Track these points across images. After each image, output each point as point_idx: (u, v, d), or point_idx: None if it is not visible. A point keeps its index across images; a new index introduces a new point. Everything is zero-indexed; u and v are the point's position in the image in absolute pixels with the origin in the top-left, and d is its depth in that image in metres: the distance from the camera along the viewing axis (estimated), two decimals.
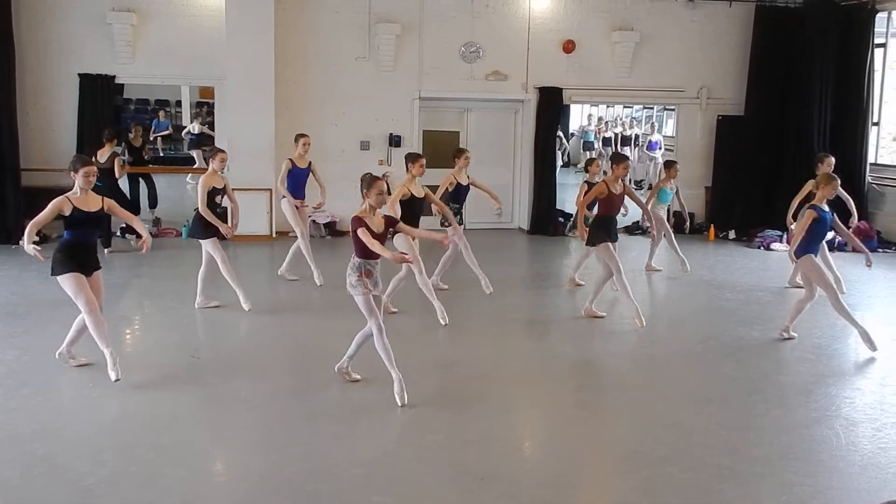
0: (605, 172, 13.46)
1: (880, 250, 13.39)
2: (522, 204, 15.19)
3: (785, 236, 13.90)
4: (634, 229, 15.00)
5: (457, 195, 9.74)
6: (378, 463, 5.49)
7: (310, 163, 10.48)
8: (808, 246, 8.25)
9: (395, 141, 14.31)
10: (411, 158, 8.94)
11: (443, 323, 8.61)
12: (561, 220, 15.16)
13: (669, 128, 20.10)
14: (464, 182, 9.72)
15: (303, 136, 10.50)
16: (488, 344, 8.38)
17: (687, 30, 14.93)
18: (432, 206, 9.18)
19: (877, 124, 14.82)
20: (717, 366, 7.78)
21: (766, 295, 10.56)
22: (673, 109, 17.09)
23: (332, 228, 14.06)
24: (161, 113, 20.59)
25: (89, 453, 5.51)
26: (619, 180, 9.02)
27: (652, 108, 22.13)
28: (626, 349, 8.49)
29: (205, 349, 7.90)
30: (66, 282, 6.72)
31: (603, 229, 8.96)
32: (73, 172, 6.80)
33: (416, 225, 8.38)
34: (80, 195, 6.81)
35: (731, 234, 14.78)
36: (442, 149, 14.92)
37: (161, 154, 19.85)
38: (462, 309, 9.25)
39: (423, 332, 8.63)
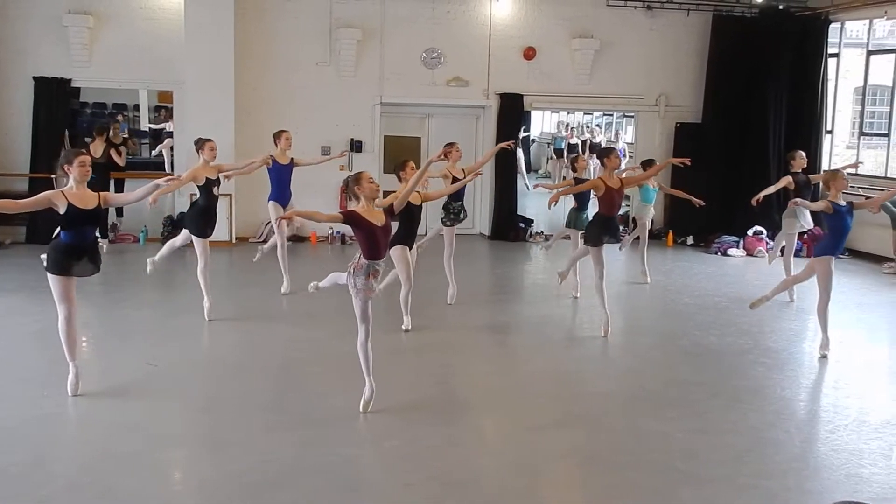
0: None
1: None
2: (484, 209, 15.24)
3: (742, 242, 14.11)
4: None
5: (457, 191, 9.40)
6: (339, 469, 5.46)
7: (292, 159, 10.16)
8: (828, 245, 8.11)
9: (356, 146, 14.29)
10: (400, 167, 8.37)
11: (405, 328, 8.60)
12: (521, 225, 15.23)
13: (629, 135, 20.27)
14: (460, 176, 9.41)
15: (283, 131, 10.18)
16: (450, 351, 8.38)
17: (646, 38, 15.10)
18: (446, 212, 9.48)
19: (830, 132, 15.10)
20: (674, 370, 7.87)
21: (722, 300, 10.70)
22: (632, 116, 17.24)
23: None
24: (119, 117, 20.34)
25: (44, 464, 5.42)
26: (613, 174, 8.62)
27: (612, 115, 22.32)
28: (587, 354, 8.55)
29: (163, 357, 7.79)
30: (55, 283, 6.37)
31: (602, 228, 8.64)
32: (67, 165, 6.22)
33: (413, 234, 8.39)
34: (76, 190, 6.24)
35: (689, 240, 14.96)
36: (403, 154, 14.92)
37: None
38: (426, 315, 9.22)
39: (385, 336, 8.60)
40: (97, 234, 7.25)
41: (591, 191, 8.92)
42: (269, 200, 10.17)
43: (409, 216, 8.12)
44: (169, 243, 9.29)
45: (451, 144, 9.60)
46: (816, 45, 14.44)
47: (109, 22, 13.38)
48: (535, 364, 8.13)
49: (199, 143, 8.85)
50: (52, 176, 12.63)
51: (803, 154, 10.70)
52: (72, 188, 6.24)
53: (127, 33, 13.39)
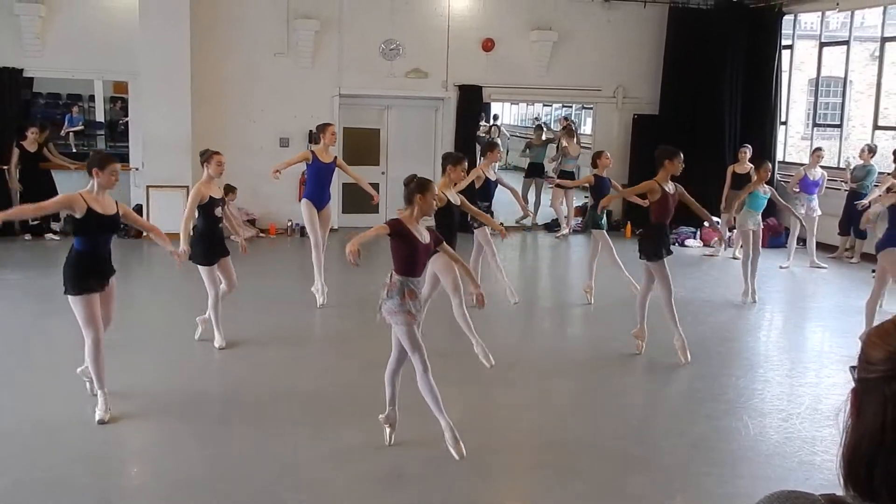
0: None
1: (799, 245, 13.80)
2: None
3: (699, 233, 14.28)
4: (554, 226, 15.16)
5: (486, 192, 8.92)
6: (293, 465, 5.45)
7: (335, 157, 9.20)
8: (893, 237, 7.84)
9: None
10: (452, 160, 7.63)
11: (487, 365, 6.95)
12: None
13: (587, 126, 20.40)
14: (492, 177, 9.01)
15: (329, 125, 9.17)
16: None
17: (603, 30, 15.19)
18: (468, 214, 8.04)
19: (784, 123, 15.34)
20: (628, 359, 7.94)
21: (679, 290, 10.75)
22: (591, 108, 17.37)
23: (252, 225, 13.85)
24: (75, 108, 19.98)
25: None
26: (670, 179, 7.56)
27: (570, 107, 22.43)
28: (541, 342, 8.59)
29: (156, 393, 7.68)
30: (78, 305, 5.79)
31: (658, 240, 7.55)
32: (98, 170, 5.76)
33: (453, 237, 7.22)
34: (97, 195, 5.82)
35: None
36: (362, 146, 14.92)
37: (74, 150, 19.28)
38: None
39: (353, 329, 8.59)
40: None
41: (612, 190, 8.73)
42: (303, 198, 9.35)
43: (447, 218, 7.28)
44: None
45: (492, 145, 9.50)
46: (770, 37, 14.64)
47: (62, 10, 13.14)
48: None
49: (206, 156, 7.60)
50: (4, 167, 12.71)
51: (746, 149, 11.01)
52: (93, 192, 5.81)
53: (80, 22, 13.17)
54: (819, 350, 8.57)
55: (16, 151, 12.87)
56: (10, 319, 8.71)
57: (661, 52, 15.28)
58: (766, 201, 10.17)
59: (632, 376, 7.45)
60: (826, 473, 5.48)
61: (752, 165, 12.41)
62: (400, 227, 5.31)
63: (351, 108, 14.65)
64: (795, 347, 8.39)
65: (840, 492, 1.33)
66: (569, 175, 14.50)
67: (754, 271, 10.07)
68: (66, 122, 19.49)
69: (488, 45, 14.80)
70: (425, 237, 5.40)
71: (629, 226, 15.09)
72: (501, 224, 8.63)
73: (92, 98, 20.98)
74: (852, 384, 1.33)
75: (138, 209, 12.95)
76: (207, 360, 7.61)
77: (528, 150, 16.45)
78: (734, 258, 12.73)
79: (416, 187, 5.44)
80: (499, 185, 9.33)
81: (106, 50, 13.24)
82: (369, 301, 6.41)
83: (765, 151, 14.66)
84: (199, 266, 7.53)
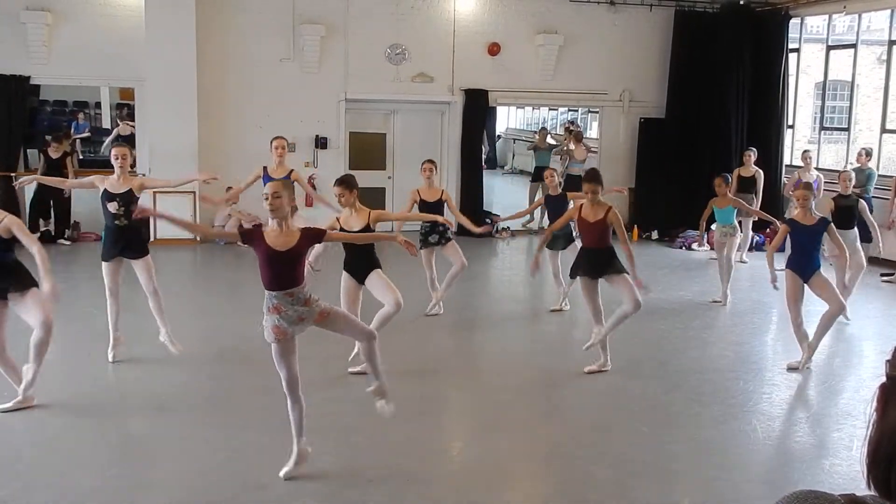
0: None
1: None
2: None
3: (706, 237, 14.22)
4: None
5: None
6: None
7: (291, 171, 8.85)
8: None
9: (321, 143, 14.22)
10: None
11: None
12: (488, 221, 15.23)
13: (593, 130, 20.38)
14: (430, 199, 9.05)
15: (275, 138, 8.95)
16: (415, 343, 8.36)
17: (609, 33, 15.17)
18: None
19: (791, 127, 15.29)
20: (636, 364, 7.89)
21: (686, 294, 10.79)
22: (596, 112, 17.33)
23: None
24: (80, 115, 20.07)
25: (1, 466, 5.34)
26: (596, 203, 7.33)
27: (576, 111, 22.42)
28: (548, 348, 8.56)
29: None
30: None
31: (576, 260, 7.68)
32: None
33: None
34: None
35: (654, 235, 15.07)
36: (369, 150, 14.93)
37: (80, 157, 19.33)
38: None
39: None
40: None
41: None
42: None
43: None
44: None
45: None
46: (777, 40, 14.59)
47: (68, 18, 13.16)
48: (496, 358, 8.12)
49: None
50: (12, 174, 12.77)
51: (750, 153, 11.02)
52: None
53: (86, 29, 13.18)
54: (826, 354, 8.51)
55: (41, 158, 13.23)
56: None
57: (667, 55, 15.25)
58: (729, 214, 10.10)
59: (638, 380, 7.40)
60: (836, 478, 5.44)
61: (757, 168, 12.38)
62: (251, 234, 5.00)
63: (357, 113, 14.65)
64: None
65: (860, 491, 1.30)
66: (575, 178, 14.45)
67: (726, 276, 10.10)
68: (72, 129, 19.56)
69: (494, 49, 14.80)
70: (284, 244, 4.87)
71: (636, 229, 15.07)
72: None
73: (98, 105, 21.06)
74: (884, 379, 1.30)
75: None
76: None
77: (533, 153, 16.42)
78: (741, 262, 12.69)
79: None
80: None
81: (112, 57, 13.26)
82: None
83: (771, 155, 14.64)
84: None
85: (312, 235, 5.07)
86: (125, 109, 18.84)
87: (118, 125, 17.21)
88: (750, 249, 13.25)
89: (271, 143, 8.91)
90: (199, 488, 5.14)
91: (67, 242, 12.99)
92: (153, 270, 7.20)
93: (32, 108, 14.98)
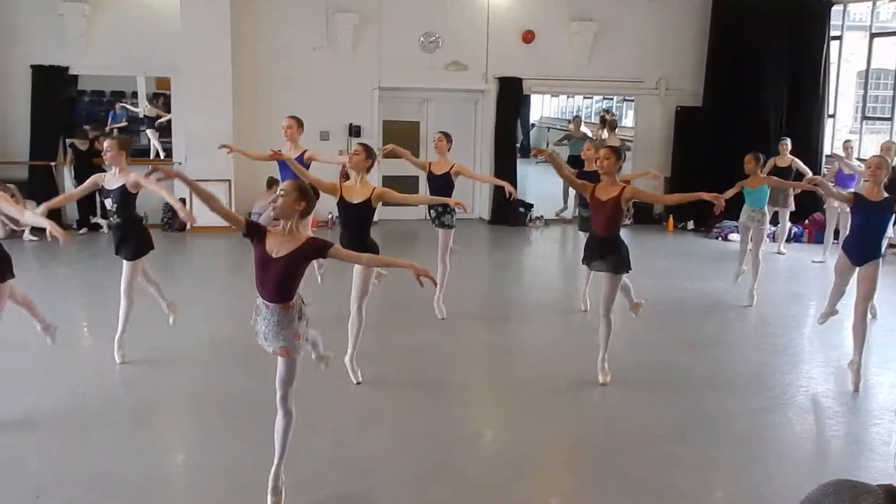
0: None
1: (834, 242, 13.54)
2: (483, 194, 15.19)
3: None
4: None
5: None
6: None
7: (304, 151, 8.34)
8: None
9: (354, 131, 14.23)
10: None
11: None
12: (521, 210, 15.18)
13: (629, 119, 20.18)
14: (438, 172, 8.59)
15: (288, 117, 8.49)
16: (450, 335, 8.34)
17: (645, 21, 14.99)
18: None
19: (832, 116, 15.01)
20: (671, 356, 7.80)
21: (722, 284, 10.64)
22: (632, 100, 17.16)
23: None
24: (118, 105, 20.27)
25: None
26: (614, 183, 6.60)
27: (611, 99, 22.22)
28: (580, 340, 8.48)
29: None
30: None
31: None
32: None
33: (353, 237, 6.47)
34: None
35: (690, 225, 14.90)
36: (402, 139, 14.90)
37: None
38: (424, 300, 9.14)
39: (392, 317, 8.57)
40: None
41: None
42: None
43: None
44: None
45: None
46: (819, 28, 14.32)
47: (105, 9, 13.28)
48: (529, 349, 8.08)
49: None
50: (52, 164, 12.94)
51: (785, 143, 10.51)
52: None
53: (123, 20, 13.31)
54: (867, 346, 8.34)
55: (70, 152, 13.34)
56: (59, 310, 8.81)
57: (704, 42, 15.03)
58: (761, 195, 9.73)
59: (672, 371, 7.32)
60: (873, 472, 5.34)
61: (793, 158, 12.21)
62: (255, 229, 4.54)
63: (390, 101, 14.65)
64: (840, 344, 8.17)
65: None
66: None
67: (754, 271, 9.59)
68: (109, 119, 19.79)
69: (528, 37, 14.69)
70: (279, 250, 4.42)
71: (671, 219, 14.91)
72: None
73: (135, 94, 21.27)
74: None
75: (182, 202, 13.09)
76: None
77: (566, 142, 16.30)
78: (779, 253, 12.52)
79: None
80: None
81: (149, 46, 13.38)
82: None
83: (812, 145, 14.38)
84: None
85: (316, 247, 4.48)
86: (161, 99, 19.02)
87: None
88: (788, 241, 13.06)
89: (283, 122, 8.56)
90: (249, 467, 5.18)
91: (107, 232, 13.06)
92: (134, 275, 6.86)
93: (71, 98, 15.13)
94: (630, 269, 6.70)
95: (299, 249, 4.41)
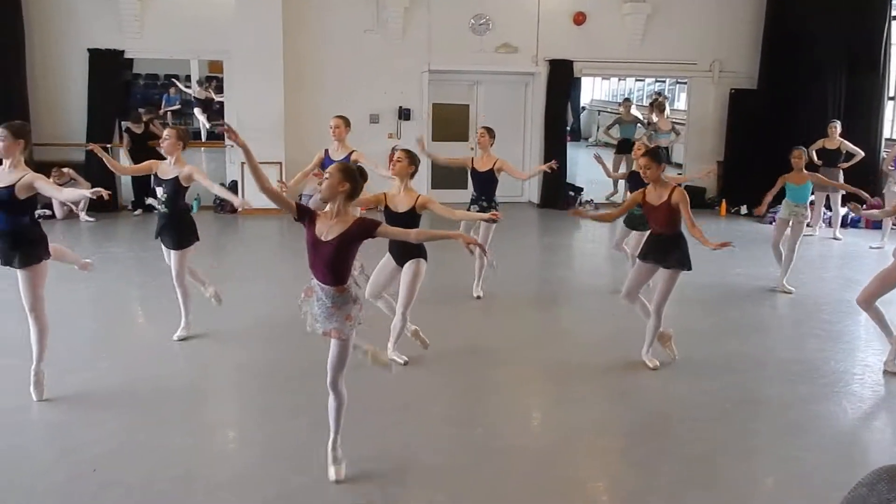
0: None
1: (893, 227, 13.22)
2: (533, 178, 15.11)
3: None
4: None
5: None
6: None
7: (352, 151, 8.12)
8: None
9: (404, 114, 14.25)
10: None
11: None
12: (571, 193, 15.09)
13: (682, 101, 19.90)
14: (481, 168, 8.65)
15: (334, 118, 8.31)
16: (497, 318, 8.35)
17: (699, 2, 14.74)
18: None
19: (893, 99, 14.62)
20: (723, 341, 7.71)
21: (775, 270, 10.45)
22: (685, 83, 16.92)
23: None
24: (172, 88, 20.60)
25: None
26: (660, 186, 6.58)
27: (664, 82, 21.93)
28: (632, 324, 8.42)
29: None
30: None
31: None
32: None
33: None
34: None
35: (744, 210, 14.67)
36: (452, 122, 14.91)
37: None
38: (467, 280, 9.16)
39: (435, 297, 8.59)
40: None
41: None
42: None
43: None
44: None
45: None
46: (879, 7, 13.95)
47: None
48: (577, 334, 8.05)
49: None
50: (108, 146, 13.19)
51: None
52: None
53: (177, 4, 13.51)
54: None
55: (126, 136, 13.56)
56: (114, 289, 9.02)
57: (760, 23, 14.75)
58: (804, 192, 9.47)
59: (724, 356, 7.23)
60: None
61: (841, 140, 11.93)
62: (306, 213, 4.60)
63: (440, 84, 14.64)
64: None
65: None
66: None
67: (786, 262, 9.42)
68: (163, 102, 20.10)
69: (580, 19, 14.56)
70: (328, 232, 4.47)
71: (724, 203, 14.71)
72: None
73: (188, 78, 21.54)
74: None
75: (233, 185, 13.28)
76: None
77: (617, 126, 16.13)
78: (835, 238, 12.29)
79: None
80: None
81: (201, 30, 13.55)
82: None
83: (870, 129, 14.05)
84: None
85: (365, 227, 4.48)
86: (213, 82, 19.25)
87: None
88: (844, 226, 12.79)
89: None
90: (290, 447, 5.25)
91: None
92: (182, 265, 6.99)
93: (126, 81, 15.40)
94: (690, 268, 6.62)
95: (348, 231, 4.46)
